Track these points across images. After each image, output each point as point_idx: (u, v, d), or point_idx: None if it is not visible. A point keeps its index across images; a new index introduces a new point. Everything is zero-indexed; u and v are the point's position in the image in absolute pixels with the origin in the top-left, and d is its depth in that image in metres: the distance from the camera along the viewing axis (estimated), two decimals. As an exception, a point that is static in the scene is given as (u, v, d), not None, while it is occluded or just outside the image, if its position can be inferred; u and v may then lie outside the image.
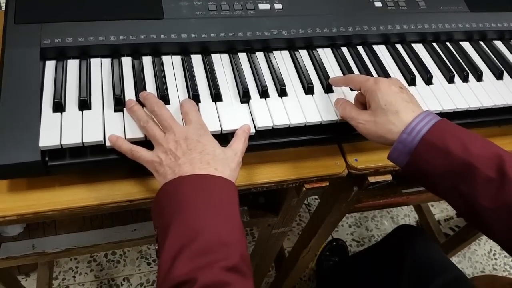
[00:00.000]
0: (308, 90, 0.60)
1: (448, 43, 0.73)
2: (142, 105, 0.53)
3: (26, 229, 0.68)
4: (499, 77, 0.69)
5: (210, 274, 0.39)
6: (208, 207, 0.44)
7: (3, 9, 0.57)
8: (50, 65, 0.56)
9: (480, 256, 1.61)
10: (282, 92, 0.59)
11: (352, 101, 0.58)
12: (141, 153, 0.49)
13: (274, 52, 0.64)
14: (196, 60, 0.61)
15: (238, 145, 0.51)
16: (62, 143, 0.48)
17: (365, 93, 0.54)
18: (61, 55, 0.56)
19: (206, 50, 0.62)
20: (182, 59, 0.60)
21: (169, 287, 0.39)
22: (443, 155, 0.47)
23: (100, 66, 0.57)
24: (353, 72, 0.63)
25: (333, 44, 0.67)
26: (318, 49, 0.66)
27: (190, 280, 0.38)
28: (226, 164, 0.48)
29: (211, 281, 0.39)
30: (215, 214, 0.44)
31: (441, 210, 1.71)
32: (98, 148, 0.50)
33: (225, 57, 0.62)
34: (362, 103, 0.57)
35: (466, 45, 0.74)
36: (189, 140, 0.48)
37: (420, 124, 0.49)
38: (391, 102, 0.51)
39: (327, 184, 0.61)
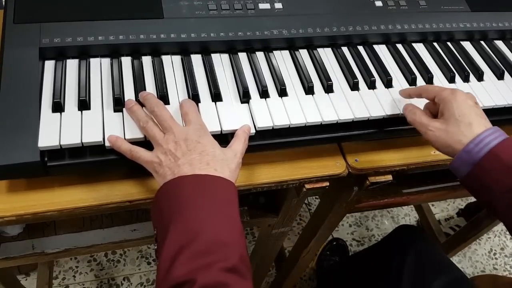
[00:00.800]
0: (309, 90, 0.60)
1: (449, 43, 0.72)
2: (142, 105, 0.53)
3: (25, 229, 0.68)
4: (500, 77, 0.69)
5: (209, 275, 0.39)
6: (207, 207, 0.44)
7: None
8: (49, 65, 0.55)
9: (480, 255, 1.61)
10: (282, 92, 0.59)
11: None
12: (141, 154, 0.48)
13: (274, 52, 0.64)
14: (196, 60, 0.60)
15: (238, 145, 0.51)
16: (62, 143, 0.48)
17: (440, 101, 0.54)
18: (60, 55, 0.56)
19: (206, 50, 0.61)
20: (182, 59, 0.60)
21: (168, 287, 0.39)
22: (509, 170, 0.47)
23: (99, 66, 0.57)
24: (353, 72, 0.63)
25: (334, 43, 0.67)
26: (318, 49, 0.66)
27: (189, 281, 0.38)
28: (225, 165, 0.48)
29: (210, 281, 0.38)
30: (214, 215, 0.44)
31: (441, 209, 1.71)
32: (98, 149, 0.50)
33: (225, 57, 0.62)
34: (432, 112, 0.57)
35: (467, 45, 0.73)
36: (188, 140, 0.48)
37: (489, 137, 0.49)
38: (465, 114, 0.51)
39: (328, 184, 0.61)
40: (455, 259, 1.56)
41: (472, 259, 1.59)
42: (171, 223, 0.43)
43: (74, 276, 1.31)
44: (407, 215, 1.67)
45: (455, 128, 0.51)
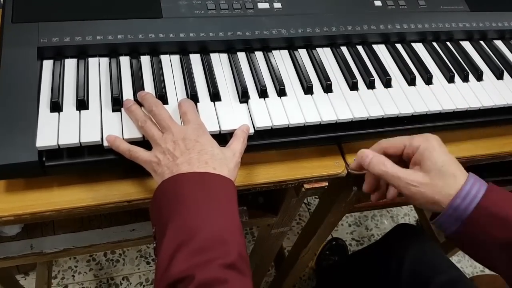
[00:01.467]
0: (307, 90, 0.60)
1: (448, 43, 0.72)
2: (140, 105, 0.53)
3: (24, 229, 0.68)
4: (499, 77, 0.69)
5: (208, 271, 0.39)
6: (206, 204, 0.44)
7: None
8: (47, 65, 0.55)
9: (480, 255, 1.61)
10: (281, 92, 0.58)
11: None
12: (139, 154, 0.48)
13: (273, 51, 0.64)
14: (195, 59, 0.60)
15: (237, 145, 0.51)
16: (60, 143, 0.48)
17: (415, 151, 0.49)
18: (58, 54, 0.56)
19: (204, 50, 0.61)
20: (180, 58, 0.60)
21: (167, 284, 0.39)
22: (503, 223, 0.44)
23: (98, 66, 0.57)
24: (352, 72, 0.63)
25: (333, 43, 0.67)
26: (317, 49, 0.66)
27: (188, 277, 0.38)
28: (224, 164, 0.48)
29: (209, 278, 0.38)
30: (213, 212, 0.44)
31: (441, 209, 1.71)
32: (96, 148, 0.50)
33: (224, 56, 0.62)
34: (392, 155, 0.52)
35: (466, 45, 0.73)
36: (187, 140, 0.48)
37: (474, 189, 0.46)
38: (447, 164, 0.47)
39: (327, 184, 0.61)
40: (454, 259, 1.56)
41: (471, 259, 1.59)
42: (170, 220, 0.43)
43: (73, 276, 1.31)
44: (407, 215, 1.67)
45: (441, 181, 0.46)
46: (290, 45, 0.65)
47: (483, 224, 0.45)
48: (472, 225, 0.45)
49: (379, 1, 0.70)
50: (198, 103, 0.55)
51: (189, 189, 0.44)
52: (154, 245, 0.45)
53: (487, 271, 1.56)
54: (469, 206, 0.45)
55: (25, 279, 1.27)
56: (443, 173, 0.47)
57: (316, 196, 1.54)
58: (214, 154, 0.48)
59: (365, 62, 0.65)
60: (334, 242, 1.45)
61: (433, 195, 0.47)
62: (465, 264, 1.57)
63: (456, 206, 0.46)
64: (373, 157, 0.51)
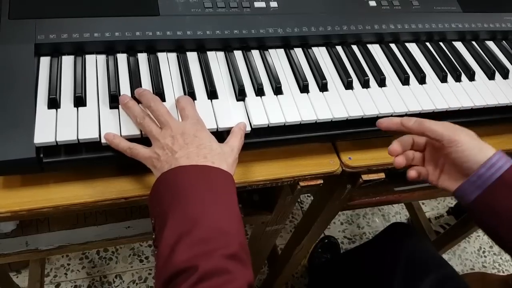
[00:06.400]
0: (303, 88, 0.60)
1: (441, 43, 0.73)
2: (137, 102, 0.53)
3: (19, 226, 0.68)
4: (491, 77, 0.70)
5: (210, 262, 0.39)
6: (206, 195, 0.44)
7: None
8: (44, 61, 0.55)
9: (470, 253, 1.63)
10: (277, 91, 0.59)
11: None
12: (139, 150, 0.49)
13: (269, 50, 0.64)
14: (192, 57, 0.61)
15: (235, 141, 0.51)
16: (57, 139, 0.48)
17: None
18: (56, 51, 0.56)
19: (201, 48, 0.62)
20: (177, 56, 0.60)
21: (170, 274, 0.39)
22: None
23: (95, 63, 0.57)
24: (347, 71, 0.64)
25: (328, 43, 0.68)
26: (313, 48, 0.66)
27: (191, 267, 0.39)
28: (223, 159, 0.48)
29: (212, 268, 0.39)
30: (214, 203, 0.44)
31: (431, 208, 1.73)
32: (94, 145, 0.50)
33: (221, 54, 0.62)
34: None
35: (458, 45, 0.75)
36: (186, 135, 0.48)
37: (500, 161, 0.48)
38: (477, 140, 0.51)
39: (321, 182, 0.62)
40: (445, 257, 1.57)
41: (461, 257, 1.61)
42: (170, 211, 0.43)
43: (65, 274, 1.31)
44: (398, 213, 1.69)
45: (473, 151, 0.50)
46: (286, 44, 0.65)
47: (503, 195, 0.48)
48: (492, 194, 0.48)
49: (374, 2, 0.71)
50: (195, 101, 0.56)
51: (189, 180, 0.44)
52: (153, 236, 0.45)
53: (477, 269, 1.58)
54: (493, 175, 0.48)
55: (17, 277, 1.26)
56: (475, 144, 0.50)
57: (309, 195, 1.55)
58: (212, 148, 0.48)
59: (360, 62, 0.66)
60: (326, 240, 1.46)
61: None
62: (455, 262, 1.59)
63: (480, 174, 0.49)
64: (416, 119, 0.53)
